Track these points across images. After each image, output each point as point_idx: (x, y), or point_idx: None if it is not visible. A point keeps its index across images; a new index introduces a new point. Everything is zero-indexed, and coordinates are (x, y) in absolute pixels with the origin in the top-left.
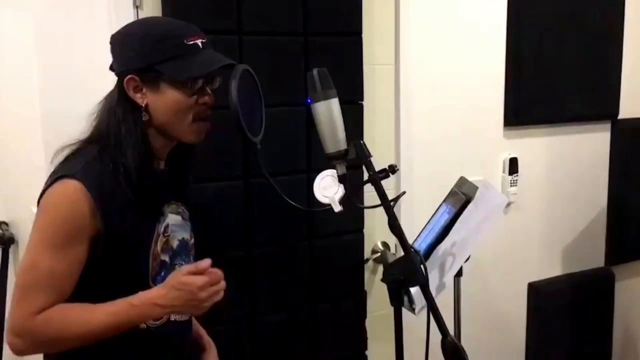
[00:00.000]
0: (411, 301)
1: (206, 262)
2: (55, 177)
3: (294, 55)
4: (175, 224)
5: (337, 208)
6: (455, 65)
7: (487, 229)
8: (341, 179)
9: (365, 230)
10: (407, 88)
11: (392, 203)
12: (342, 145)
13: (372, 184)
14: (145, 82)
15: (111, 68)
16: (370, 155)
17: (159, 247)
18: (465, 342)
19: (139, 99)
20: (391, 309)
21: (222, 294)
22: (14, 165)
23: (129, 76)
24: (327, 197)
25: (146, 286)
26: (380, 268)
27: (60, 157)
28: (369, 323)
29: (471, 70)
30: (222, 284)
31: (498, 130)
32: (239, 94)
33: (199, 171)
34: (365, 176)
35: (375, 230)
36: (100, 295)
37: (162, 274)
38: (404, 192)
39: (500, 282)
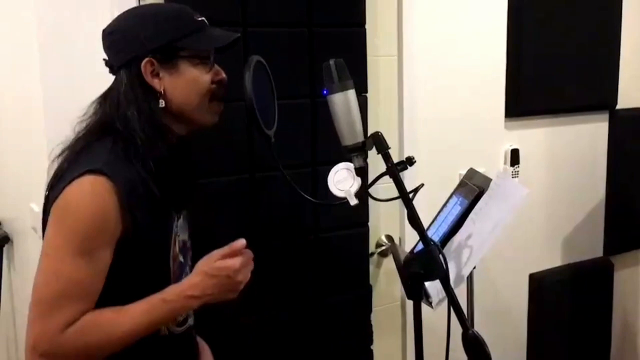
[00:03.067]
0: (427, 295)
1: (241, 242)
2: (76, 174)
3: (297, 46)
4: (180, 225)
5: (353, 201)
6: (457, 56)
7: (506, 220)
8: (359, 172)
9: (370, 224)
10: (410, 79)
11: (410, 195)
12: (360, 137)
13: (390, 176)
14: (163, 64)
15: (109, 63)
16: (388, 147)
17: (177, 248)
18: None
19: (157, 84)
20: (396, 303)
21: (249, 275)
22: (9, 164)
23: (145, 60)
24: (342, 190)
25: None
26: (385, 262)
27: (66, 156)
28: (374, 317)
29: (473, 61)
30: (252, 265)
31: (499, 122)
32: (253, 85)
33: (206, 165)
34: (371, 168)
35: (380, 224)
36: (124, 298)
37: (184, 276)
38: (422, 185)
39: (502, 274)
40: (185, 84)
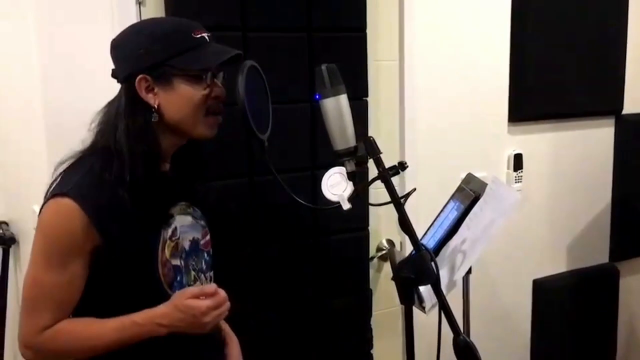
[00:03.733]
0: (421, 299)
1: (211, 288)
2: (50, 195)
3: (298, 51)
4: (184, 225)
5: (346, 206)
6: (459, 61)
7: (499, 226)
8: (350, 176)
9: (370, 228)
10: (411, 84)
11: (402, 200)
12: (352, 142)
13: (382, 181)
14: (157, 80)
15: (114, 75)
16: (380, 152)
17: (167, 254)
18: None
19: (151, 99)
20: (396, 307)
21: (225, 314)
22: (15, 165)
23: (140, 76)
24: (335, 194)
25: (163, 293)
26: (386, 266)
27: (61, 169)
28: (374, 321)
29: (475, 66)
30: (226, 305)
31: (502, 126)
32: (246, 90)
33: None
34: (370, 173)
35: (381, 228)
36: (114, 307)
37: (179, 278)
38: (414, 189)
39: (505, 279)
40: (179, 100)
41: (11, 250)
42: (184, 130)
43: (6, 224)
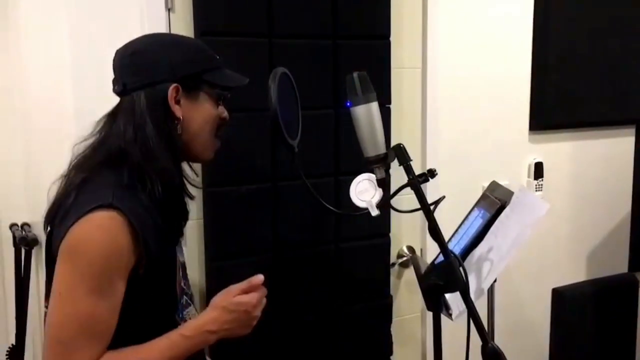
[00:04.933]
0: (447, 307)
1: (259, 278)
2: (86, 209)
3: (322, 58)
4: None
5: (375, 212)
6: (481, 69)
7: (527, 234)
8: (380, 183)
9: (391, 234)
10: (433, 92)
11: (432, 207)
12: (382, 149)
13: (412, 188)
14: (186, 92)
15: (121, 83)
16: (410, 159)
17: (180, 273)
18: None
19: (177, 110)
20: (416, 314)
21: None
22: (39, 166)
23: (173, 85)
24: (364, 201)
25: (172, 318)
26: (406, 273)
27: (66, 186)
28: (393, 328)
29: (497, 74)
30: (265, 300)
31: (523, 135)
32: (278, 97)
33: (228, 173)
34: (393, 179)
35: (402, 234)
36: (132, 328)
37: (182, 300)
38: (443, 197)
39: (525, 287)
40: (201, 115)
41: (33, 251)
42: (194, 148)
43: (28, 225)
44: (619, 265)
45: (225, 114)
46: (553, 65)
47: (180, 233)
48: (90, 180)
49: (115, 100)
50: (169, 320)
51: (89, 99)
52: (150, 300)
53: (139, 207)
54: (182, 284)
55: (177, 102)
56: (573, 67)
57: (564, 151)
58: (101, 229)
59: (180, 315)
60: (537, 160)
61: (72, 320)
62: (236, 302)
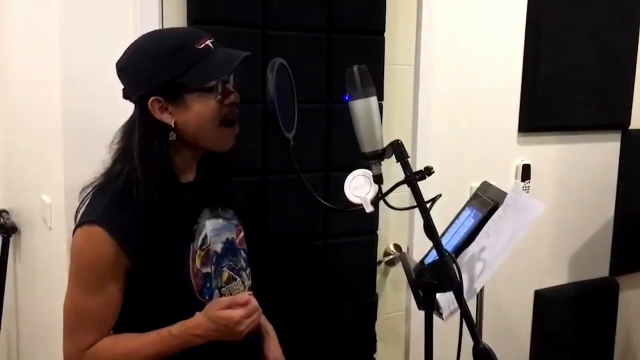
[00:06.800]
0: (437, 306)
1: (244, 297)
2: (78, 223)
3: (316, 51)
4: (215, 229)
5: (369, 208)
6: (473, 69)
7: (521, 235)
8: (376, 179)
9: (378, 232)
10: (426, 90)
11: (428, 205)
12: (379, 144)
13: (409, 185)
14: (169, 100)
15: (125, 96)
16: (408, 156)
17: (198, 264)
18: (469, 348)
19: (167, 118)
20: (400, 313)
21: (258, 321)
22: (24, 154)
23: (152, 98)
24: (358, 197)
25: (194, 301)
26: (392, 271)
27: (85, 194)
28: (378, 326)
29: (489, 75)
30: (258, 313)
31: (512, 136)
32: (276, 88)
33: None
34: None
35: (389, 233)
36: (151, 320)
37: (208, 285)
38: (439, 195)
39: (507, 289)
40: (194, 116)
41: (12, 239)
42: (202, 145)
43: (6, 212)
44: (601, 268)
45: (231, 98)
46: (543, 68)
47: (190, 230)
48: (97, 191)
49: (100, 89)
50: (189, 302)
51: (78, 87)
52: (157, 290)
53: (125, 218)
54: (211, 267)
55: (166, 110)
56: (562, 71)
57: (550, 154)
58: (85, 241)
59: (207, 297)
60: (525, 162)
61: (71, 310)
62: (218, 315)
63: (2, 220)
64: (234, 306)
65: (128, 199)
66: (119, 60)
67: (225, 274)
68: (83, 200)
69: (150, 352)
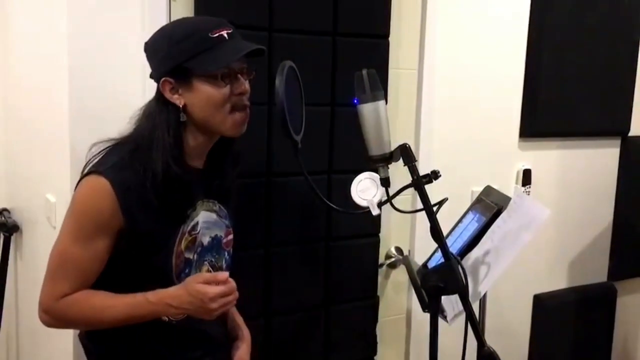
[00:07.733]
0: (442, 309)
1: (223, 275)
2: (86, 172)
3: (321, 54)
4: (207, 221)
5: (375, 211)
6: (475, 75)
7: (525, 240)
8: (384, 183)
9: (380, 235)
10: (429, 94)
11: (435, 208)
12: (387, 148)
13: (415, 189)
14: (179, 82)
15: (151, 76)
16: (415, 160)
17: (182, 246)
18: (468, 351)
19: (177, 100)
20: (401, 315)
21: (233, 304)
22: (28, 153)
23: (163, 79)
24: (365, 199)
25: (170, 281)
26: (393, 273)
27: (95, 149)
28: (379, 328)
29: (491, 80)
30: (235, 295)
31: (514, 141)
32: (285, 90)
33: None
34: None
35: (391, 236)
36: (126, 284)
37: (187, 270)
38: (446, 199)
39: (507, 293)
40: (201, 100)
41: (13, 237)
42: (212, 129)
43: (7, 211)
44: (599, 274)
45: (241, 87)
46: (545, 75)
47: (183, 212)
48: (108, 150)
49: (107, 86)
50: (165, 280)
51: (84, 86)
52: (139, 260)
53: (131, 183)
54: (194, 255)
55: (176, 92)
56: (564, 78)
57: (552, 159)
58: (89, 190)
59: (179, 278)
60: (525, 167)
61: (57, 256)
62: (196, 289)
63: (3, 219)
64: (213, 283)
65: (136, 165)
66: (146, 41)
67: (205, 267)
68: (93, 154)
69: (122, 313)
